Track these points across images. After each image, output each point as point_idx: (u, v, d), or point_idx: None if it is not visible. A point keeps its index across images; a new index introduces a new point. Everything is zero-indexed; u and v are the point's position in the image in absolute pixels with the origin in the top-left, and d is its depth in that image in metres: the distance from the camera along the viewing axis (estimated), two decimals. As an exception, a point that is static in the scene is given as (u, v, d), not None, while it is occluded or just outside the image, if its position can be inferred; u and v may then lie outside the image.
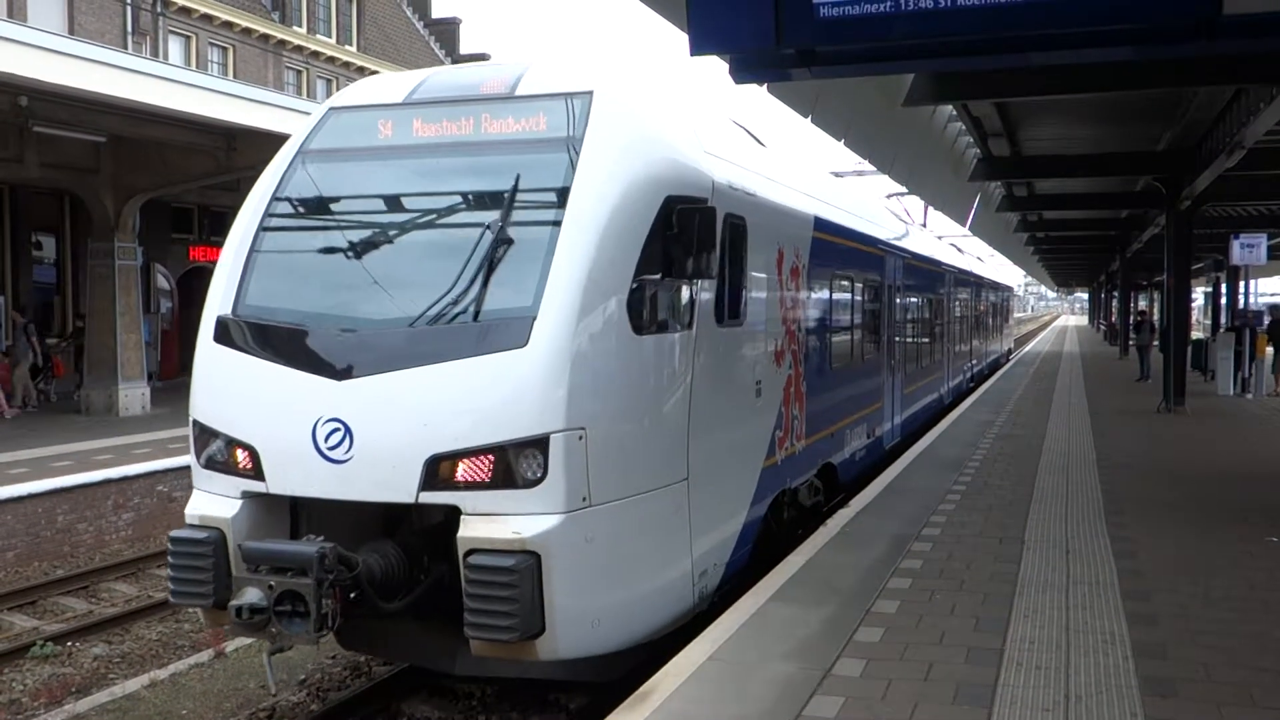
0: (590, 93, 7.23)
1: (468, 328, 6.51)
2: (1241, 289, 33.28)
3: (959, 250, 31.37)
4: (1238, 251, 24.79)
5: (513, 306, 6.51)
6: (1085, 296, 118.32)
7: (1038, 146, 22.51)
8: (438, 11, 47.12)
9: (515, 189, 6.94)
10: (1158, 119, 19.43)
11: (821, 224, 11.19)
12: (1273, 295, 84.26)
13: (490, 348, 6.37)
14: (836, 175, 24.82)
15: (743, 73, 7.58)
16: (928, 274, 20.06)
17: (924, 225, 30.73)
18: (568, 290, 6.42)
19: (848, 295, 12.80)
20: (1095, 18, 6.39)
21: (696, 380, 7.56)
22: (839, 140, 17.85)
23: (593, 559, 6.46)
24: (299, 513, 7.12)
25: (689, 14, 6.87)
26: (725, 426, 8.21)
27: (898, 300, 16.36)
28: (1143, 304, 56.55)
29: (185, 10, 33.22)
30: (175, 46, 33.44)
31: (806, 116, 15.80)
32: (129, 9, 30.91)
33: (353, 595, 6.31)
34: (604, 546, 6.54)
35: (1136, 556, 8.77)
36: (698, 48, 6.97)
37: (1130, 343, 35.91)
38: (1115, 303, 55.28)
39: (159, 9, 32.16)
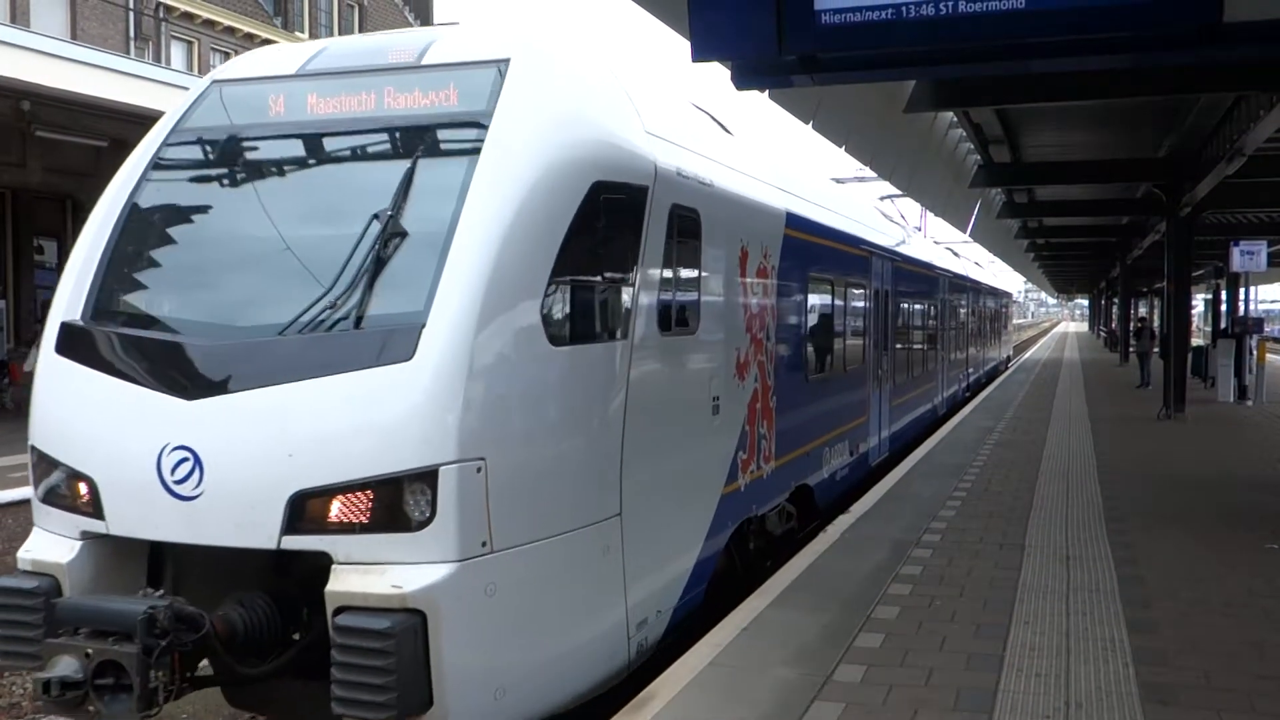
0: (506, 60, 6.18)
1: (345, 338, 5.49)
2: (1242, 296, 33.27)
3: (955, 255, 30.26)
4: (1238, 258, 24.79)
5: (400, 312, 5.48)
6: (1086, 303, 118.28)
7: (1038, 153, 22.55)
8: (440, 16, 47.25)
9: (413, 173, 5.91)
10: (1158, 126, 19.46)
11: (795, 221, 10.22)
12: (1273, 303, 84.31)
13: (369, 361, 5.33)
14: (838, 181, 24.82)
15: (745, 79, 7.60)
16: (920, 278, 19.17)
17: (919, 229, 30.11)
18: (465, 293, 5.40)
19: (827, 300, 11.80)
20: (1096, 25, 6.40)
21: (633, 398, 6.53)
22: (840, 146, 17.88)
23: (495, 615, 5.42)
24: (164, 558, 5.99)
25: (691, 20, 6.88)
26: (672, 450, 7.19)
27: (886, 306, 15.43)
28: (1143, 310, 56.56)
29: (188, 16, 33.31)
30: (178, 52, 33.52)
31: (808, 123, 15.83)
32: (131, 15, 30.96)
33: (204, 660, 5.35)
34: (510, 600, 5.50)
35: (1137, 563, 8.77)
36: (699, 54, 6.98)
37: (1130, 349, 35.91)
38: (1115, 309, 55.29)
39: (161, 14, 32.23)
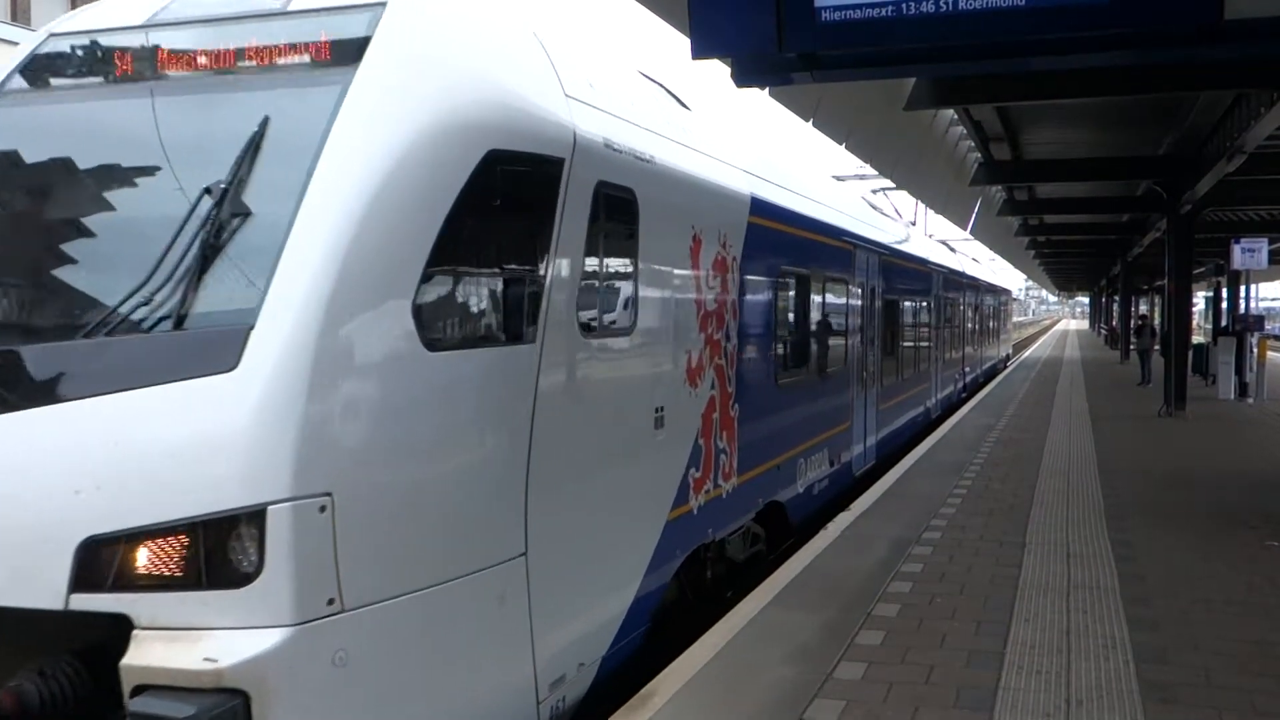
0: (383, 4, 5.11)
1: (158, 341, 4.37)
2: (1242, 294, 33.28)
3: (950, 250, 29.45)
4: (1239, 256, 24.78)
5: (228, 310, 4.39)
6: (1086, 301, 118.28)
7: (1039, 150, 22.54)
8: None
9: (262, 138, 4.80)
10: (1159, 123, 19.45)
11: (762, 207, 9.18)
12: (1273, 300, 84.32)
13: (184, 371, 4.20)
14: (838, 179, 24.67)
15: (745, 77, 7.58)
16: (912, 274, 18.33)
17: (914, 224, 29.10)
18: (307, 285, 4.30)
19: (803, 296, 10.82)
20: (1097, 22, 6.39)
21: (543, 412, 5.42)
22: (841, 144, 17.88)
23: (347, 692, 4.31)
24: None
25: (691, 18, 6.87)
26: (598, 473, 6.13)
27: (874, 302, 14.54)
28: (1144, 308, 56.55)
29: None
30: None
31: (808, 120, 15.83)
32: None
33: None
34: (368, 671, 4.38)
35: (1137, 561, 8.77)
36: (699, 51, 6.97)
37: (1131, 347, 35.91)
38: (1116, 307, 55.29)
39: None
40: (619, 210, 6.33)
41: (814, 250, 11.17)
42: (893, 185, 25.53)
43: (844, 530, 9.99)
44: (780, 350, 9.85)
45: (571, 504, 5.80)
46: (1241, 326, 25.43)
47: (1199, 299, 54.43)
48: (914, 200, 29.57)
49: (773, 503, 9.71)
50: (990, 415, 20.71)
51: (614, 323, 6.36)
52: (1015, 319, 69.75)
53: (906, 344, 17.56)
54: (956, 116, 19.75)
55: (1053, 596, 7.69)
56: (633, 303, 6.55)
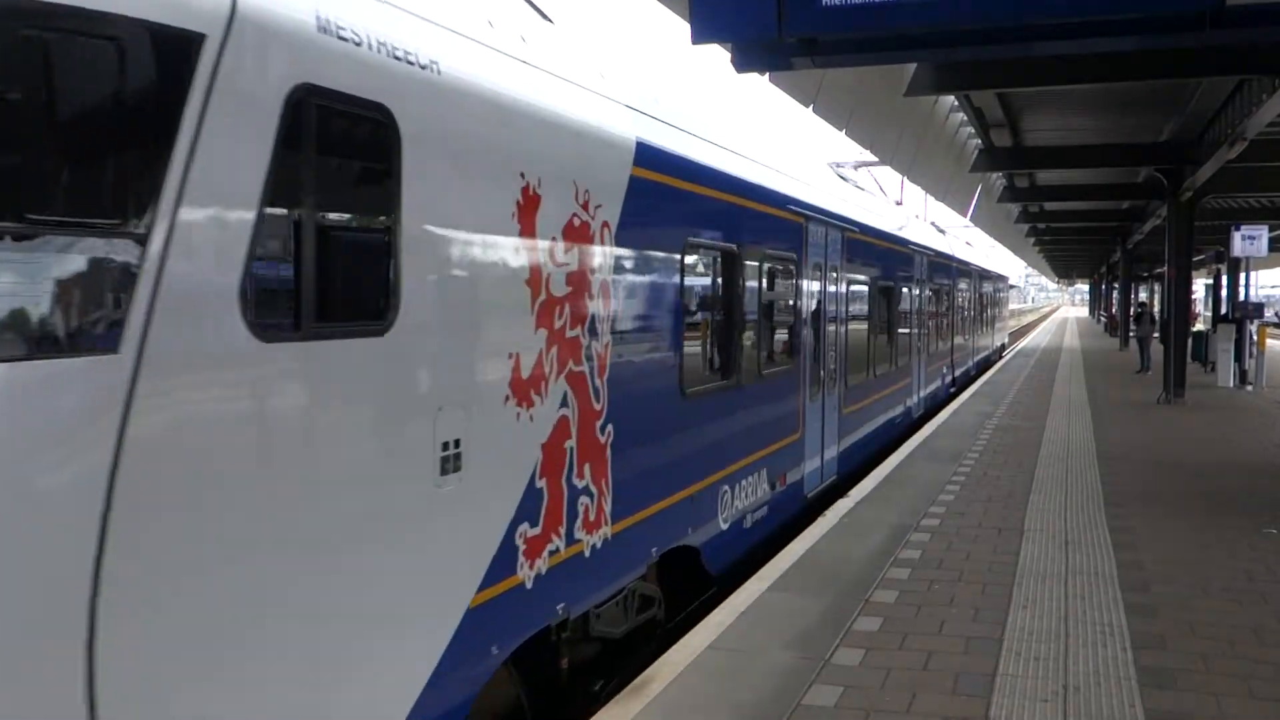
0: None
1: None
2: (1242, 281, 33.25)
3: (939, 231, 27.11)
4: (1239, 243, 24.77)
5: None
6: (1086, 288, 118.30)
7: (1039, 137, 22.50)
8: None
9: None
10: (1160, 110, 19.40)
11: (654, 157, 6.91)
12: (1273, 288, 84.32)
13: None
14: (837, 166, 23.95)
15: (745, 62, 7.57)
16: (888, 256, 15.96)
17: (900, 203, 26.88)
18: None
19: (728, 278, 8.55)
20: (1100, 7, 6.37)
21: (128, 467, 3.23)
22: (841, 130, 17.83)
23: None
24: None
25: (690, 3, 6.85)
26: (284, 564, 3.85)
27: (836, 288, 12.40)
28: (1143, 295, 56.55)
29: None
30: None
31: (808, 106, 15.78)
32: None
33: None
34: None
35: (1135, 547, 8.78)
36: (699, 36, 6.95)
37: (1130, 334, 35.90)
38: (1116, 294, 55.29)
39: None
40: (356, 139, 4.29)
41: (743, 219, 8.81)
42: (875, 160, 23.12)
43: (843, 516, 10.00)
44: (689, 349, 7.66)
45: (225, 604, 3.56)
46: (1241, 314, 25.40)
47: (1199, 286, 54.44)
48: (901, 178, 27.01)
49: (678, 549, 7.56)
50: (989, 403, 20.72)
51: (346, 316, 4.16)
52: (1014, 306, 69.19)
53: (881, 335, 15.45)
54: (957, 103, 19.71)
55: (1051, 583, 7.70)
56: (390, 285, 4.35)
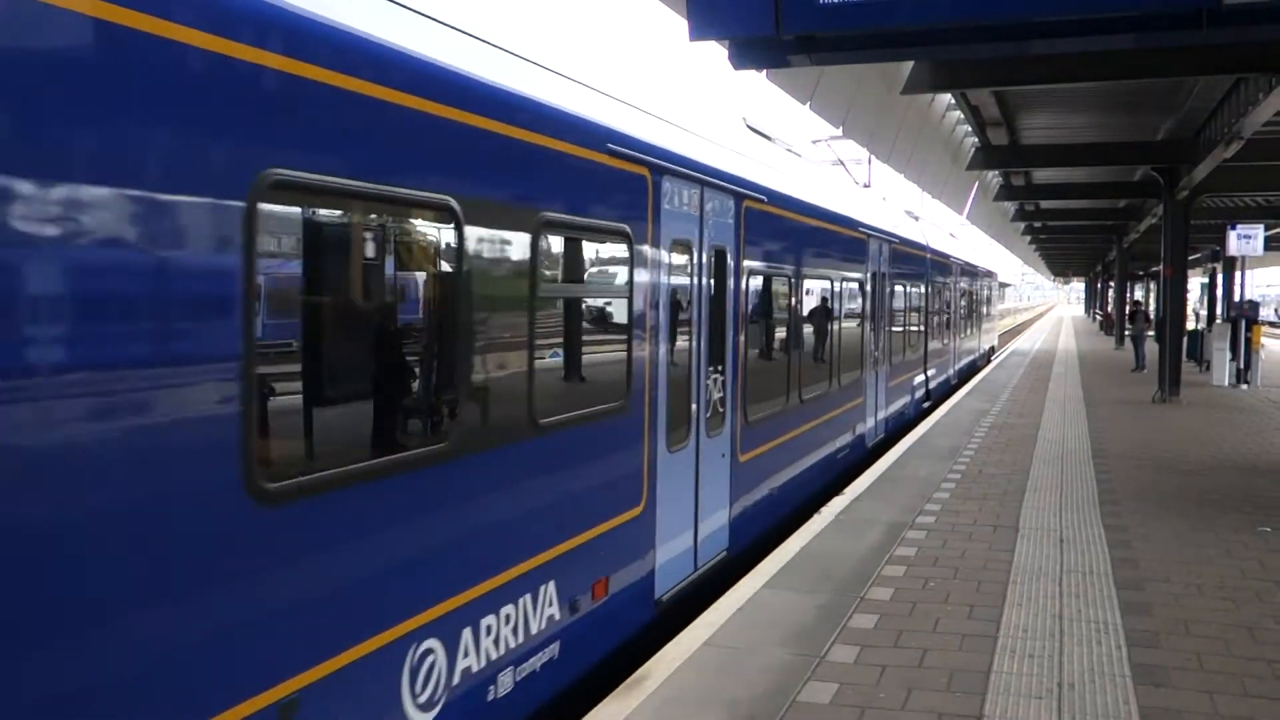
0: None
1: None
2: (1238, 280, 33.32)
3: (912, 218, 21.80)
4: (1234, 242, 24.82)
5: None
6: (1083, 286, 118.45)
7: (1036, 135, 22.54)
8: None
9: None
10: (1156, 109, 19.43)
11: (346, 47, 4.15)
12: (1268, 287, 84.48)
13: None
14: (814, 143, 21.13)
15: (743, 59, 7.56)
16: (825, 239, 12.22)
17: (867, 186, 21.88)
18: None
19: (440, 268, 5.01)
20: (1096, 5, 6.38)
21: None
22: (837, 128, 17.84)
23: None
24: None
25: (688, 0, 6.85)
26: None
27: (720, 281, 8.58)
28: (1139, 294, 56.63)
29: None
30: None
31: (805, 103, 15.79)
32: None
33: None
34: None
35: (1130, 546, 8.79)
36: (697, 33, 6.95)
37: (1126, 333, 35.94)
38: (1112, 293, 55.36)
39: None
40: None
41: (478, 155, 5.15)
42: (837, 133, 19.41)
43: (838, 514, 10.01)
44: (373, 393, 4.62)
45: None
46: (1237, 313, 25.44)
47: (1194, 285, 54.54)
48: (868, 156, 22.56)
49: None
50: (985, 400, 20.74)
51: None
52: (1010, 304, 67.74)
53: (815, 345, 12.06)
54: (954, 101, 19.72)
55: (1045, 581, 7.71)
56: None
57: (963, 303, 27.87)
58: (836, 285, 12.91)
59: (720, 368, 8.65)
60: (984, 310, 35.00)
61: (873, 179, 23.11)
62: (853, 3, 6.44)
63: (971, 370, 30.29)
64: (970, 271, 29.30)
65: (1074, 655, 6.16)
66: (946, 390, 23.95)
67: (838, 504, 10.46)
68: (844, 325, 13.34)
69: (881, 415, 15.95)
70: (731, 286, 8.76)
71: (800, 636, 6.50)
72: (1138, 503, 10.57)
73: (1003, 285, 54.64)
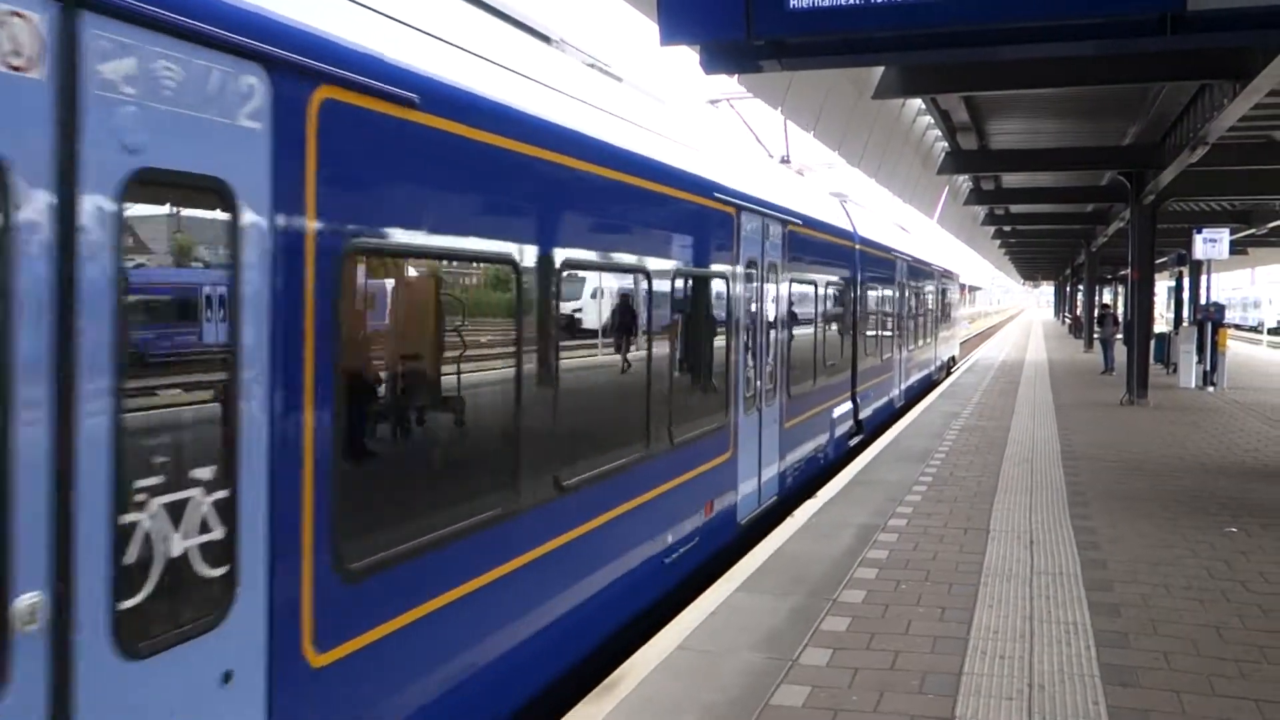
0: None
1: None
2: (1204, 283, 33.73)
3: (839, 201, 16.55)
4: (1200, 246, 25.12)
5: None
6: (1052, 290, 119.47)
7: (1005, 140, 22.73)
8: None
9: None
10: (1123, 114, 19.65)
11: None
12: (1234, 290, 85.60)
13: None
14: (713, 103, 16.27)
15: (714, 64, 7.59)
16: (704, 221, 8.87)
17: (787, 160, 16.57)
18: None
19: None
20: (1063, 11, 6.44)
21: None
22: (809, 132, 17.91)
23: None
24: None
25: (659, 4, 6.86)
26: None
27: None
28: (1107, 297, 57.17)
29: None
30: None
31: (777, 108, 15.85)
32: None
33: None
34: None
35: (1099, 547, 8.87)
36: (668, 37, 6.96)
37: (1095, 336, 36.26)
38: (1080, 296, 55.86)
39: None
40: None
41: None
42: (743, 92, 15.61)
43: (810, 517, 10.03)
44: None
45: None
46: (1203, 316, 25.76)
47: (1161, 288, 55.13)
48: (784, 120, 17.29)
49: None
50: (956, 403, 20.87)
51: None
52: (980, 308, 66.17)
53: (686, 374, 8.82)
54: (924, 106, 19.86)
55: (1016, 583, 7.76)
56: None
57: (914, 307, 22.87)
58: (695, 286, 8.89)
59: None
60: (942, 315, 30.20)
61: (789, 149, 16.72)
62: (822, 8, 6.47)
63: (926, 386, 25.48)
64: (920, 270, 24.09)
65: (1044, 656, 6.21)
66: (890, 414, 19.31)
67: (809, 507, 10.49)
68: (699, 346, 9.08)
69: (782, 467, 11.41)
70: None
71: (773, 640, 6.51)
72: (1106, 504, 10.67)
73: (972, 289, 53.91)
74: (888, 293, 19.23)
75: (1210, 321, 25.18)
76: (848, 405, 15.40)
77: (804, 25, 6.61)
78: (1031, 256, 69.57)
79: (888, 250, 19.05)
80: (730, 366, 9.61)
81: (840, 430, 14.77)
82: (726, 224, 9.38)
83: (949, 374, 30.83)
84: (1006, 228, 43.41)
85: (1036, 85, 15.13)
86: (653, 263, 7.69)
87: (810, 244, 12.79)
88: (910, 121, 23.05)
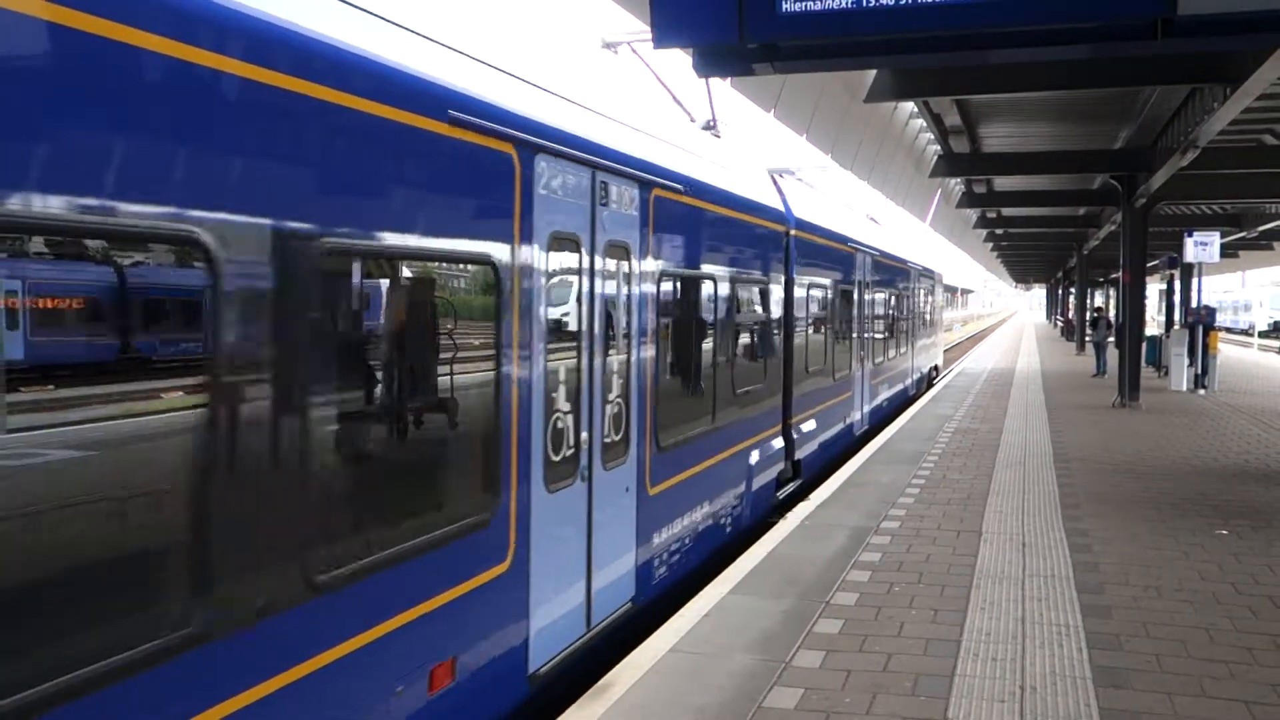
0: None
1: None
2: (1195, 286, 33.85)
3: (774, 179, 12.58)
4: (1192, 249, 25.19)
5: None
6: (1044, 293, 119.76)
7: (997, 143, 22.79)
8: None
9: None
10: (1114, 118, 19.72)
11: None
12: (1225, 293, 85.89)
13: None
14: (609, 46, 10.62)
15: (707, 67, 7.59)
16: (459, 173, 5.17)
17: (712, 128, 11.40)
18: None
19: None
20: (1054, 15, 6.46)
21: None
22: (801, 135, 17.95)
23: None
24: None
25: (652, 8, 6.87)
26: None
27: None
28: (1099, 300, 57.29)
29: None
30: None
31: (770, 111, 15.88)
32: None
33: None
34: None
35: (1091, 550, 8.89)
36: (661, 40, 6.97)
37: (1087, 339, 36.32)
38: (1072, 299, 55.99)
39: None
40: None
41: None
42: (643, 31, 10.76)
43: (803, 519, 10.04)
44: None
45: None
46: (1194, 319, 25.84)
47: (1153, 291, 55.26)
48: (707, 86, 11.94)
49: None
50: (948, 406, 20.90)
51: None
52: (972, 311, 64.89)
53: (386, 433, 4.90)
54: (916, 109, 19.90)
55: (1008, 585, 7.78)
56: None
57: (881, 311, 19.03)
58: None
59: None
60: (921, 321, 26.03)
61: (714, 114, 11.66)
62: (815, 12, 6.49)
63: (901, 405, 21.92)
64: (894, 267, 20.36)
65: (1036, 658, 6.22)
66: (849, 446, 15.57)
67: (803, 509, 10.50)
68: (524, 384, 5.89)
69: (601, 582, 6.96)
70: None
71: (766, 642, 6.51)
72: (1098, 507, 10.69)
73: (965, 292, 52.93)
74: (843, 293, 15.22)
75: (1201, 324, 25.25)
76: (776, 443, 11.43)
77: (796, 28, 6.62)
78: (1023, 259, 69.73)
79: (843, 241, 14.98)
80: (514, 414, 5.68)
81: (762, 479, 10.83)
82: (499, 171, 5.55)
83: (931, 386, 27.38)
84: (999, 231, 43.52)
85: (1028, 89, 15.18)
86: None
87: (699, 220, 8.83)
88: (903, 125, 23.12)
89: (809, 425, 12.96)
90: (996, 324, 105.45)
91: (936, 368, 30.62)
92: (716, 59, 7.54)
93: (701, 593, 7.62)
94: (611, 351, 7.03)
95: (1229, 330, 65.84)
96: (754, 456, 10.61)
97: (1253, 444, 15.57)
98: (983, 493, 11.39)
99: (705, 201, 8.98)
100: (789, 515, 10.26)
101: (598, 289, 6.77)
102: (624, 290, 7.25)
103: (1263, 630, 6.80)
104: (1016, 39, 6.95)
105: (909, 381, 23.74)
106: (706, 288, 9.18)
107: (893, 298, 20.50)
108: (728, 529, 9.74)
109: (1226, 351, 35.48)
